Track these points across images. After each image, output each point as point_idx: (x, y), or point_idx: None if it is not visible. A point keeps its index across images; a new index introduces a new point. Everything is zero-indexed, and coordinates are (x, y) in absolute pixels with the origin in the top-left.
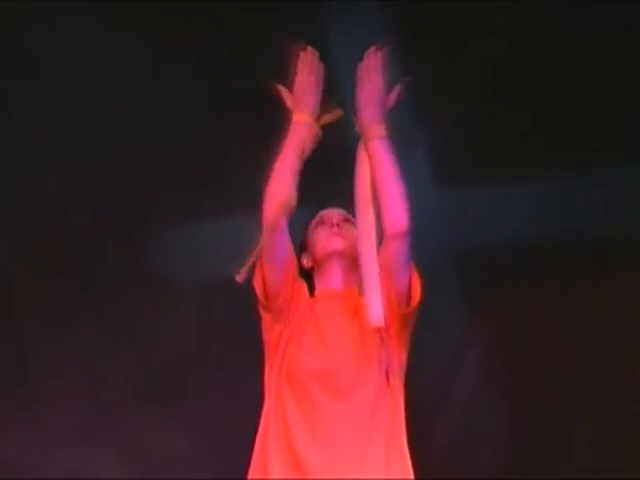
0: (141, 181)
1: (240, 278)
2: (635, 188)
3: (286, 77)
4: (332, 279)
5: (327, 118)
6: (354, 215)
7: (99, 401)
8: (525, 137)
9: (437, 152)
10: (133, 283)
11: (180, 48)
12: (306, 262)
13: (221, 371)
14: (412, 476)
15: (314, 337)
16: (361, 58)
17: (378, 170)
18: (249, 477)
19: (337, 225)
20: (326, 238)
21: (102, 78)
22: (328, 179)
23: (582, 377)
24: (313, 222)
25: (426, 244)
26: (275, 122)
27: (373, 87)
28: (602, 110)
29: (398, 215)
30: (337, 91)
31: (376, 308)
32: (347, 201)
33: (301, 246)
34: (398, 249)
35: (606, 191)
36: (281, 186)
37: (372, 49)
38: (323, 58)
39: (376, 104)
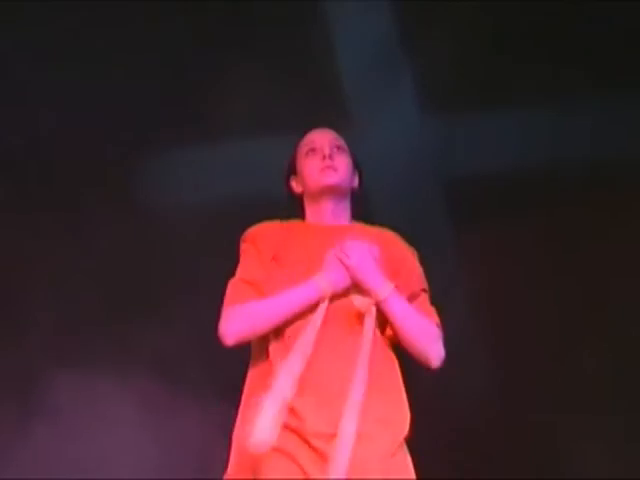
0: (130, 104)
1: None
2: (623, 115)
3: None
4: (323, 213)
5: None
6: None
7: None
8: (513, 64)
9: (424, 79)
10: (118, 207)
11: None
12: (296, 186)
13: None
14: (408, 416)
15: (302, 271)
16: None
17: (401, 325)
18: (237, 428)
19: (329, 157)
20: (319, 171)
21: None
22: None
23: (572, 302)
24: (304, 146)
25: (413, 171)
26: (274, 46)
27: (362, 258)
28: (593, 37)
29: (431, 359)
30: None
31: (262, 432)
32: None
33: (290, 168)
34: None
35: (595, 118)
36: (266, 324)
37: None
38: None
39: (371, 268)
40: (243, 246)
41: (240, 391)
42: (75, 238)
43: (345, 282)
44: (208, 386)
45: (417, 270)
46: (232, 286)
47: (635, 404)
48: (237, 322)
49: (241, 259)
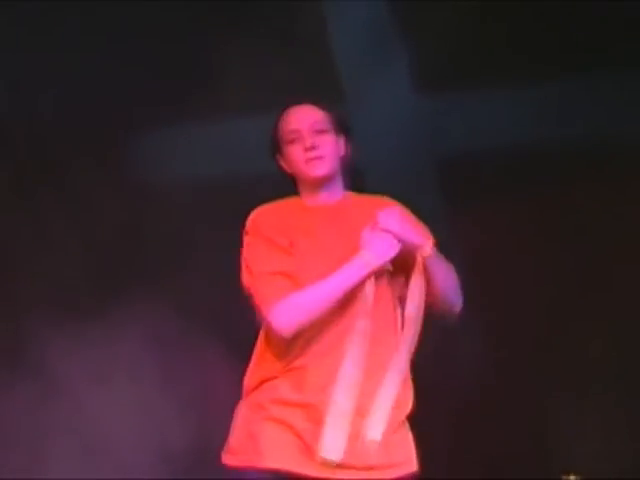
0: (125, 81)
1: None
2: (618, 94)
3: None
4: (317, 195)
5: None
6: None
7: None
8: (507, 42)
9: (419, 57)
10: (114, 182)
11: None
12: (285, 166)
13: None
14: (412, 395)
15: (313, 255)
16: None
17: (442, 278)
18: (248, 382)
19: (312, 148)
20: (305, 163)
21: None
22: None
23: (572, 280)
24: (286, 132)
25: (408, 148)
26: (271, 25)
27: (400, 221)
28: (586, 15)
29: (457, 306)
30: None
31: (335, 443)
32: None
33: (273, 144)
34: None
35: (589, 97)
36: (316, 313)
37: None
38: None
39: (411, 228)
40: (249, 239)
41: (241, 362)
42: (71, 208)
43: (392, 250)
44: (204, 353)
45: (422, 226)
46: (262, 283)
47: (636, 383)
48: (291, 316)
49: (253, 252)
